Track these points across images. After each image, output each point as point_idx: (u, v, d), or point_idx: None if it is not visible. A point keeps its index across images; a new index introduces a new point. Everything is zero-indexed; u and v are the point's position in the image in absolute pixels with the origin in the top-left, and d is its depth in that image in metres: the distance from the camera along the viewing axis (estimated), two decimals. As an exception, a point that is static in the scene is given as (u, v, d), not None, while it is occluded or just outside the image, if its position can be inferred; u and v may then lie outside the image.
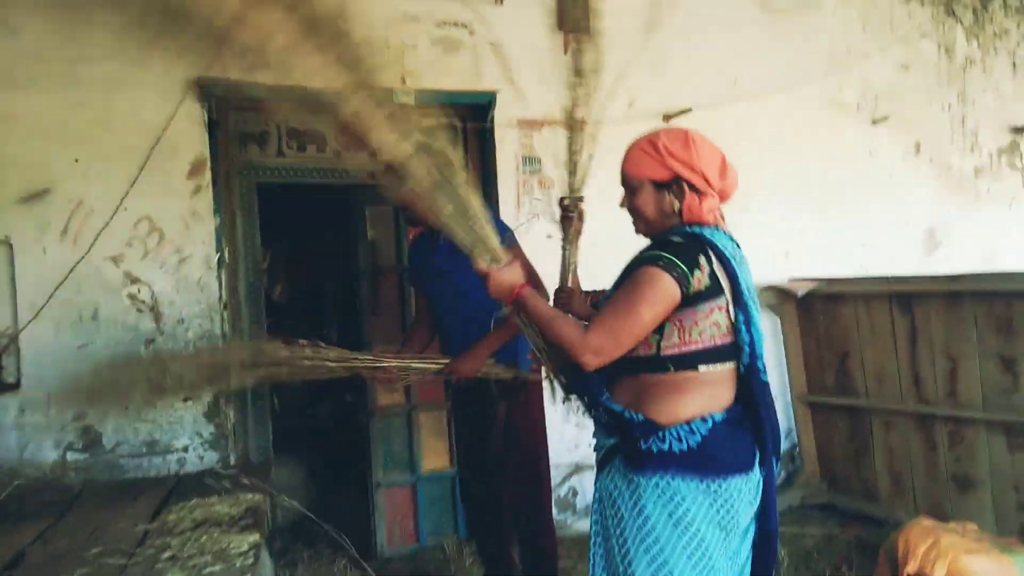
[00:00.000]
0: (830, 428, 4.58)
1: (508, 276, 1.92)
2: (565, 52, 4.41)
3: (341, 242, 4.79)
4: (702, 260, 1.82)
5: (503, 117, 4.28)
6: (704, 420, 1.81)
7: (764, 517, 1.91)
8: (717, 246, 1.86)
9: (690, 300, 1.81)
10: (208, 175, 3.69)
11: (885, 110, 5.29)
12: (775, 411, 1.93)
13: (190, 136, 3.66)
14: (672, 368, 1.83)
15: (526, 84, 4.31)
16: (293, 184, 4.02)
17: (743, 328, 1.85)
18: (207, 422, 3.60)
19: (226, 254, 3.76)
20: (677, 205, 1.91)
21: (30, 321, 3.39)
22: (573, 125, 2.76)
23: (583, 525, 4.27)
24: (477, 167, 4.31)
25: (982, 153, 5.66)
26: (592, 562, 1.95)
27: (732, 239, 1.95)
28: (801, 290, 4.55)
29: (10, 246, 3.39)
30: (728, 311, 1.84)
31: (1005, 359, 3.57)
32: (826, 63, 5.09)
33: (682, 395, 1.83)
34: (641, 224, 2.00)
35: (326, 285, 7.00)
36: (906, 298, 3.99)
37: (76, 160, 3.49)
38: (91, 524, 2.60)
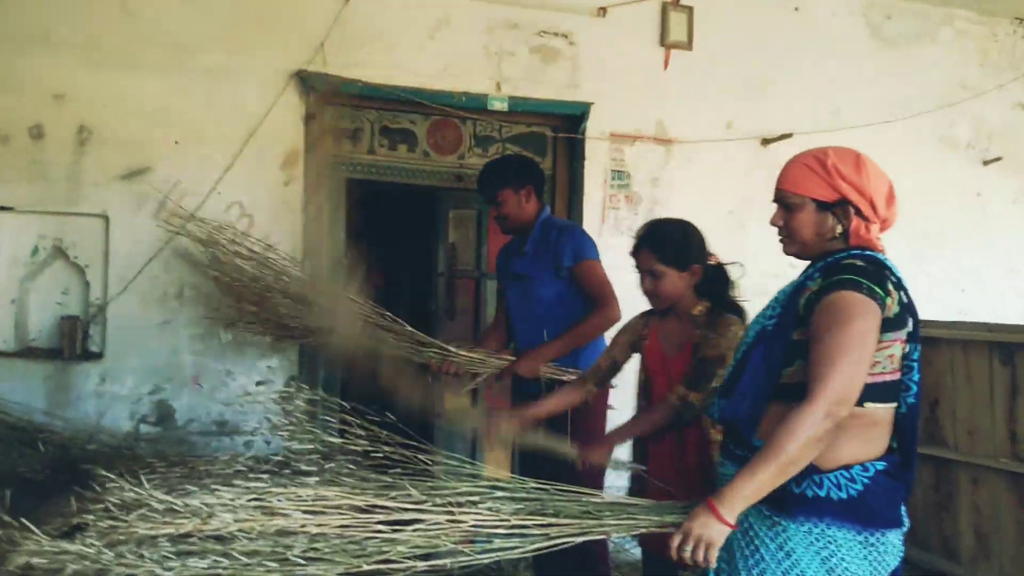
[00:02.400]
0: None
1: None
2: (665, 68, 4.34)
3: (422, 243, 4.82)
4: (890, 286, 1.68)
5: (595, 129, 4.22)
6: (865, 468, 1.67)
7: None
8: (896, 273, 1.74)
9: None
10: (301, 167, 3.77)
11: (998, 151, 5.03)
12: None
13: (286, 128, 3.75)
14: None
15: (622, 97, 4.26)
16: (382, 181, 4.05)
17: (915, 366, 1.71)
18: (277, 408, 3.64)
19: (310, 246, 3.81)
20: (840, 229, 1.77)
21: (119, 293, 3.50)
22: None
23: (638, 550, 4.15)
24: (565, 178, 4.27)
25: (1100, 204, 5.33)
26: None
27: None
28: (893, 331, 4.34)
29: (107, 219, 3.51)
30: (906, 343, 1.71)
31: (1115, 423, 3.32)
32: (938, 97, 4.87)
33: (842, 434, 1.66)
34: (794, 246, 1.84)
35: (403, 285, 7.05)
36: (1008, 348, 3.75)
37: (176, 142, 3.61)
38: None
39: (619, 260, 3.79)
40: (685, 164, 4.39)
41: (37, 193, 3.48)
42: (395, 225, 6.59)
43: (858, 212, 1.76)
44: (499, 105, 4.03)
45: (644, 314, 2.58)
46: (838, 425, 1.60)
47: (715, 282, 2.47)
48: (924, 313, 4.84)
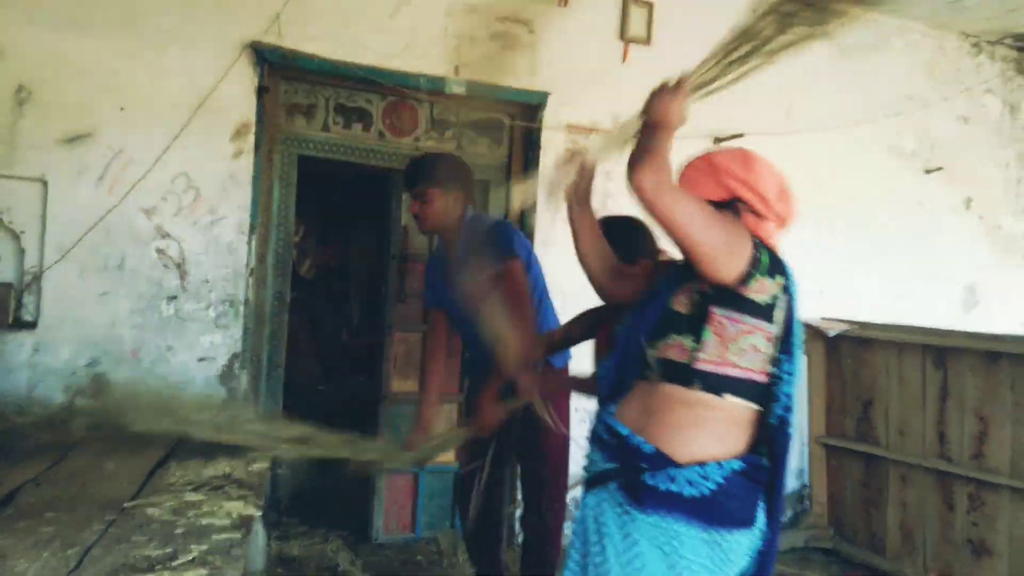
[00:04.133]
0: (844, 474, 4.46)
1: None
2: (623, 61, 4.36)
3: (374, 225, 4.77)
4: (779, 279, 1.71)
5: (552, 119, 4.22)
6: (720, 466, 1.67)
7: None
8: (789, 276, 1.74)
9: (743, 302, 1.68)
10: (251, 140, 3.67)
11: (940, 161, 5.18)
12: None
13: (238, 99, 3.65)
14: (699, 386, 1.69)
15: (580, 89, 4.26)
16: (334, 160, 3.98)
17: (785, 377, 1.72)
18: (220, 385, 3.57)
19: (259, 221, 3.74)
20: None
21: (56, 262, 3.38)
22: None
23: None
24: (521, 168, 4.26)
25: (1034, 217, 5.53)
26: None
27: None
28: (832, 331, 4.45)
29: (45, 184, 3.38)
30: (773, 346, 1.71)
31: (1038, 427, 3.45)
32: (886, 106, 4.98)
33: (700, 429, 1.69)
34: None
35: (354, 266, 6.99)
36: (941, 352, 3.88)
37: (122, 108, 3.48)
38: (87, 473, 2.58)
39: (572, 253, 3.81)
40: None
41: (-30, 154, 3.34)
42: (349, 206, 6.52)
43: (751, 210, 1.79)
44: (457, 89, 4.00)
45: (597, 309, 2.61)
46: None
47: None
48: (861, 314, 4.96)
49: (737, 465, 1.68)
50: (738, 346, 1.69)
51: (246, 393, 3.64)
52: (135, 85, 3.50)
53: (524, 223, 4.12)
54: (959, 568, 3.72)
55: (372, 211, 5.03)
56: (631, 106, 4.58)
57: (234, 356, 3.60)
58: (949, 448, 3.83)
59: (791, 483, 4.70)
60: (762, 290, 1.69)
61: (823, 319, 4.62)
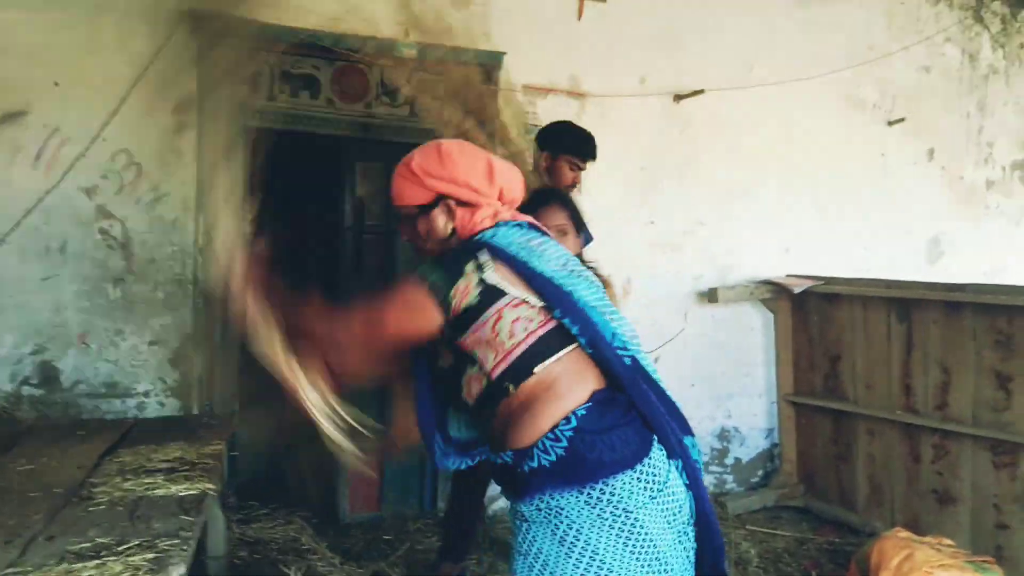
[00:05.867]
0: (813, 431, 4.47)
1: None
2: (579, 19, 4.25)
3: (329, 197, 4.65)
4: (468, 269, 1.66)
5: (508, 80, 4.12)
6: (568, 420, 1.60)
7: (696, 508, 1.67)
8: (495, 247, 1.69)
9: (464, 317, 1.65)
10: (194, 113, 3.54)
11: (902, 112, 5.15)
12: (663, 392, 1.71)
13: (178, 70, 3.50)
14: (512, 386, 1.65)
15: (535, 48, 4.16)
16: (282, 131, 3.85)
17: (567, 319, 1.65)
18: (172, 368, 3.47)
19: (205, 198, 3.62)
20: (450, 226, 1.77)
21: (-6, 247, 3.25)
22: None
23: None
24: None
25: (995, 166, 5.53)
26: None
27: (523, 225, 1.78)
28: (797, 287, 4.43)
29: (-22, 167, 3.25)
30: (529, 303, 1.66)
31: (1000, 375, 3.46)
32: (846, 57, 4.93)
33: (534, 408, 1.64)
34: (425, 254, 1.84)
35: (310, 240, 6.86)
36: (905, 304, 3.87)
37: (56, 84, 3.34)
38: (35, 461, 2.50)
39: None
40: (598, 119, 4.32)
41: None
42: (303, 178, 6.37)
43: (461, 202, 1.76)
44: (408, 52, 3.87)
45: None
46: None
47: None
48: (827, 269, 4.92)
49: (581, 411, 1.62)
50: (504, 335, 1.65)
51: (201, 376, 3.55)
52: (69, 59, 3.36)
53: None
54: (925, 517, 3.75)
55: (326, 181, 4.91)
56: (587, 65, 4.49)
57: (187, 338, 3.50)
58: (915, 400, 3.84)
59: (761, 443, 4.71)
60: (465, 293, 1.65)
61: (788, 276, 4.60)
